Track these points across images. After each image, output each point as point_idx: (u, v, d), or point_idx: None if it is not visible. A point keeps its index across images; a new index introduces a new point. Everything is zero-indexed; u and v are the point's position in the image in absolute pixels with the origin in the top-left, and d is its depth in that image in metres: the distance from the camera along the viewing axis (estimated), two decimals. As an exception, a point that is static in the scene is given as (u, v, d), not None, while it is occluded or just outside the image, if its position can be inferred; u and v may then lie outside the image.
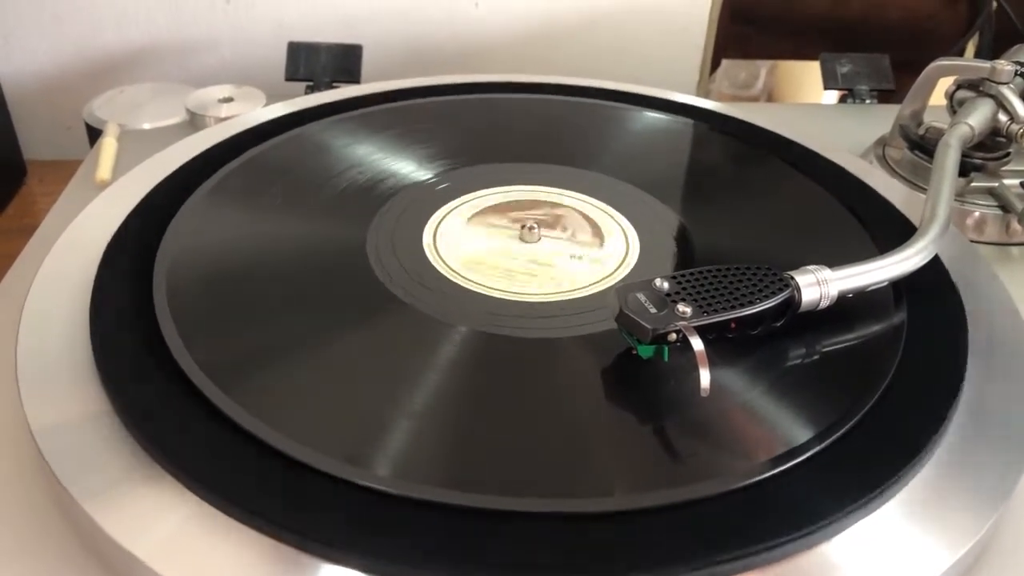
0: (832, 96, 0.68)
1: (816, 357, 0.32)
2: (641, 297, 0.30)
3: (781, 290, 0.31)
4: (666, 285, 0.30)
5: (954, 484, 0.27)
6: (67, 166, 0.51)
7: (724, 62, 0.80)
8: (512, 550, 0.24)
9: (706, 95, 0.77)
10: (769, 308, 0.31)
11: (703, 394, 0.27)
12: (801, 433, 0.28)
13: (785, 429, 0.28)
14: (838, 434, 0.28)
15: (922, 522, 0.26)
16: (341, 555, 0.23)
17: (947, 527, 0.26)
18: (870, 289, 0.33)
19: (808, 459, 0.27)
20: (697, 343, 0.28)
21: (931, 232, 0.35)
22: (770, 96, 0.84)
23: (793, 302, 0.31)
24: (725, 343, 0.31)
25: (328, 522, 0.24)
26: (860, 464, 0.27)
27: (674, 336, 0.29)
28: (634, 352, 0.30)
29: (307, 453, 0.26)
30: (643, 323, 0.29)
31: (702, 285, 0.31)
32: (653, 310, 0.29)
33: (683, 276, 0.31)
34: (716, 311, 0.30)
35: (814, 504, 0.25)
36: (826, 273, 0.32)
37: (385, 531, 0.24)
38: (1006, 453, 0.28)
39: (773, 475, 0.26)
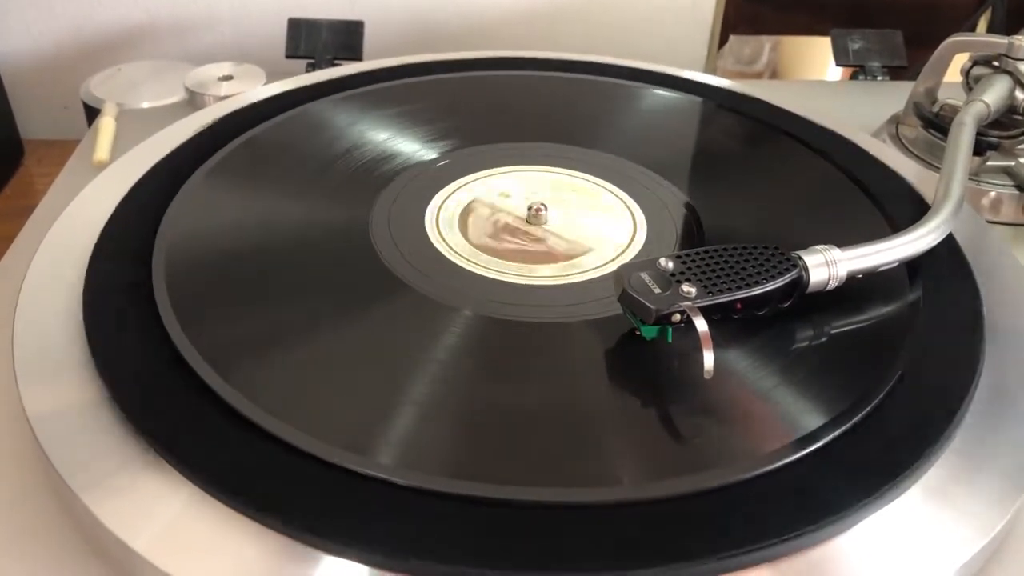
0: (837, 72, 0.67)
1: (830, 340, 0.31)
2: (645, 277, 0.29)
3: (788, 270, 0.30)
4: (671, 264, 0.30)
5: (974, 471, 0.26)
6: (66, 146, 0.50)
7: (731, 38, 0.79)
8: (516, 540, 0.23)
9: (713, 72, 0.76)
10: (776, 289, 0.30)
11: (706, 376, 0.27)
12: (814, 420, 0.27)
13: (797, 415, 0.28)
14: (853, 420, 0.27)
15: (942, 511, 0.25)
16: (342, 546, 0.23)
17: (969, 515, 0.25)
18: (881, 270, 0.32)
19: (822, 447, 0.26)
20: (701, 324, 0.27)
21: (943, 211, 0.34)
22: (774, 71, 0.82)
23: (801, 283, 0.30)
24: (734, 324, 0.30)
25: (329, 512, 0.24)
26: (877, 452, 0.26)
27: (678, 317, 0.28)
28: (637, 332, 0.30)
29: (308, 441, 0.25)
30: (647, 303, 0.28)
31: (707, 265, 0.30)
32: (657, 290, 0.29)
33: (688, 255, 0.30)
34: (721, 291, 0.29)
35: (830, 494, 0.24)
36: (835, 253, 0.31)
37: (387, 521, 0.23)
38: (1025, 437, 0.28)
39: (786, 464, 0.25)
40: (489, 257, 0.35)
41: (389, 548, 0.23)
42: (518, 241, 0.37)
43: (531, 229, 0.37)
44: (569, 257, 0.36)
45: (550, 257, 0.36)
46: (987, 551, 0.25)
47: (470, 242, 0.36)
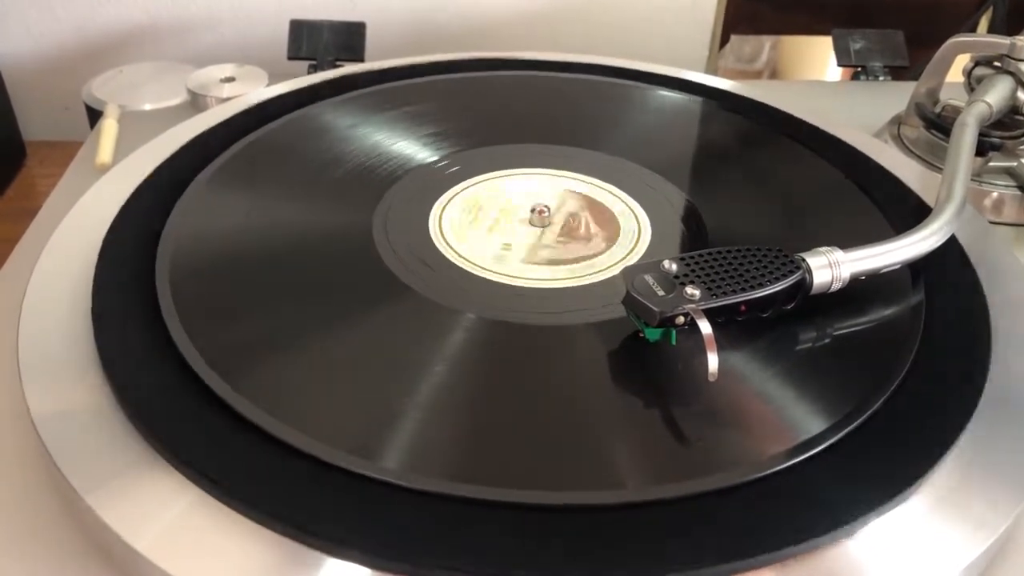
0: (837, 69, 0.67)
1: (834, 343, 0.31)
2: (649, 279, 0.29)
3: (792, 272, 0.30)
4: (674, 267, 0.30)
5: (978, 474, 0.26)
6: (68, 147, 0.50)
7: (732, 37, 0.79)
8: (519, 543, 0.23)
9: (714, 72, 0.76)
10: (780, 291, 0.30)
11: (711, 378, 0.27)
12: (817, 423, 0.27)
13: (800, 419, 0.28)
14: (857, 423, 0.27)
15: (946, 514, 0.25)
16: (345, 549, 0.23)
17: (972, 518, 0.25)
18: (884, 271, 0.32)
19: (826, 450, 0.26)
20: (705, 327, 0.27)
21: (946, 213, 0.34)
22: (774, 70, 0.82)
23: (804, 285, 0.31)
24: (738, 327, 0.30)
25: (331, 515, 0.24)
26: (881, 455, 0.26)
27: (682, 319, 0.28)
28: (641, 335, 0.30)
29: (311, 444, 0.25)
30: (650, 306, 0.28)
31: (711, 267, 0.30)
32: (661, 292, 0.29)
33: (692, 258, 0.30)
34: (725, 293, 0.29)
35: (834, 498, 0.24)
36: (838, 255, 0.31)
37: (389, 524, 0.23)
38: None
39: (789, 467, 0.25)
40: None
41: (392, 551, 0.23)
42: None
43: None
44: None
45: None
46: (990, 554, 0.25)
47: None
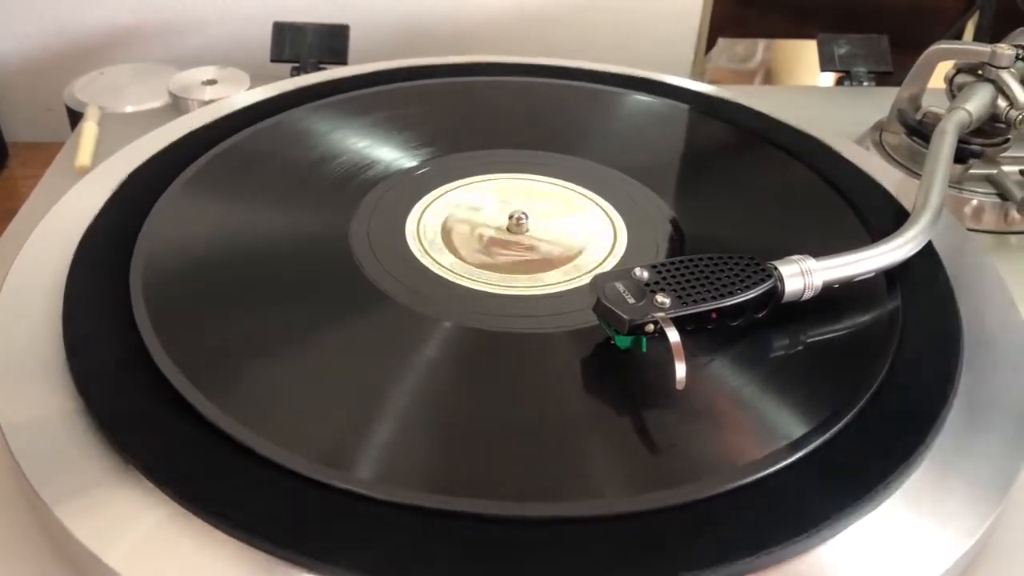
0: (828, 74, 0.67)
1: (809, 349, 0.31)
2: (620, 287, 0.29)
3: (763, 280, 0.30)
4: (646, 275, 0.30)
5: (954, 478, 0.26)
6: (50, 148, 0.50)
7: (719, 40, 0.79)
8: (496, 555, 0.23)
9: (701, 76, 0.76)
10: (750, 299, 0.30)
11: (678, 387, 0.27)
12: (793, 430, 0.27)
13: (776, 425, 0.28)
14: (832, 431, 0.27)
15: (923, 519, 0.25)
16: (321, 563, 0.23)
17: (948, 524, 0.25)
18: (857, 280, 0.32)
19: (800, 458, 0.26)
20: (673, 335, 0.27)
21: (921, 221, 0.34)
22: (768, 70, 0.82)
23: (775, 293, 0.31)
24: (713, 335, 0.30)
25: (305, 527, 0.23)
26: (855, 462, 0.26)
27: (651, 327, 0.28)
28: (612, 342, 0.30)
29: (284, 455, 0.25)
30: (620, 314, 0.28)
31: (682, 275, 0.30)
32: (631, 300, 0.29)
33: (663, 265, 0.30)
34: (696, 302, 0.29)
35: (808, 505, 0.24)
36: (810, 263, 0.31)
37: (366, 538, 0.23)
38: (1004, 445, 0.28)
39: (764, 476, 0.25)
40: (470, 267, 0.35)
41: (368, 565, 0.23)
42: (509, 252, 0.36)
43: (516, 238, 0.37)
44: (567, 260, 0.36)
45: (549, 264, 0.36)
46: (968, 557, 0.25)
47: (458, 256, 0.36)
